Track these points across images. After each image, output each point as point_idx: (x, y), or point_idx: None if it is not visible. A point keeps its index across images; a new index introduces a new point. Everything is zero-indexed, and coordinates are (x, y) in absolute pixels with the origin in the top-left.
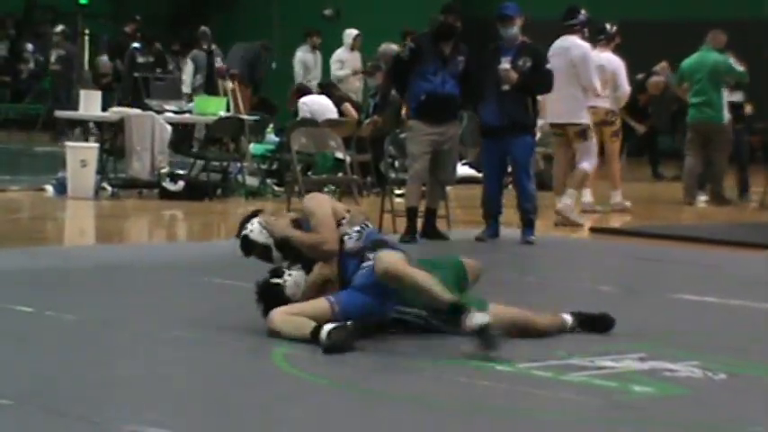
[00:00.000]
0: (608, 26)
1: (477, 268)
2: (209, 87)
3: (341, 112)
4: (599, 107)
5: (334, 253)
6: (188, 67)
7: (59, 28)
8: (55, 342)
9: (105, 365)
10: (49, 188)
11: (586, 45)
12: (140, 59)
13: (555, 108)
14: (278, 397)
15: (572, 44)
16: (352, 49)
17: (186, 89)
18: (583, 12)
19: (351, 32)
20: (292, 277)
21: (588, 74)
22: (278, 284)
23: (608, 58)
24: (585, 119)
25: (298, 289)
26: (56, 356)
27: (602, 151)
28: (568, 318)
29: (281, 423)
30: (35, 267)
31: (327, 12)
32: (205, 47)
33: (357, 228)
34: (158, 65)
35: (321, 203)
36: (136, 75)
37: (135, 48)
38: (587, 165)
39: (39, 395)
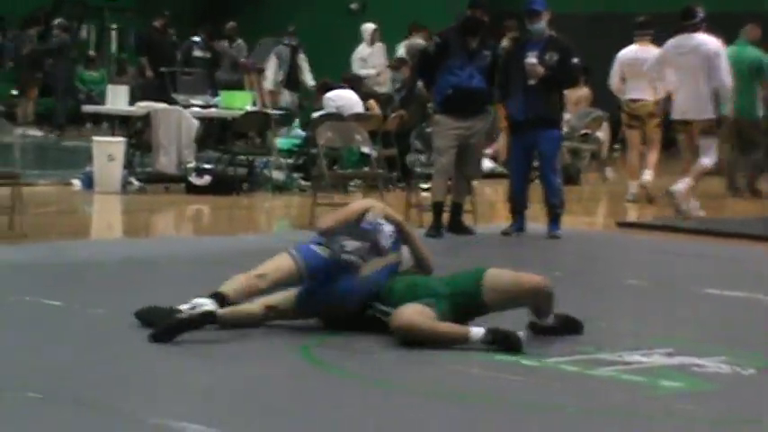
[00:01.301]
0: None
1: (512, 283)
2: (290, 83)
3: (366, 109)
4: (647, 100)
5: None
6: (271, 63)
7: (57, 21)
8: (83, 336)
9: (132, 359)
10: (77, 182)
11: (718, 41)
12: (197, 53)
13: (682, 105)
14: (304, 391)
15: (703, 41)
16: (372, 43)
17: (269, 85)
18: (700, 9)
19: (368, 27)
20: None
21: (722, 68)
22: None
23: (654, 52)
24: (713, 114)
25: None
26: (83, 350)
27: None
28: (479, 331)
29: (307, 417)
30: (63, 261)
31: (353, 6)
32: (287, 42)
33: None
34: (214, 62)
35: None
36: (163, 69)
37: (194, 41)
38: (708, 161)
39: (67, 388)
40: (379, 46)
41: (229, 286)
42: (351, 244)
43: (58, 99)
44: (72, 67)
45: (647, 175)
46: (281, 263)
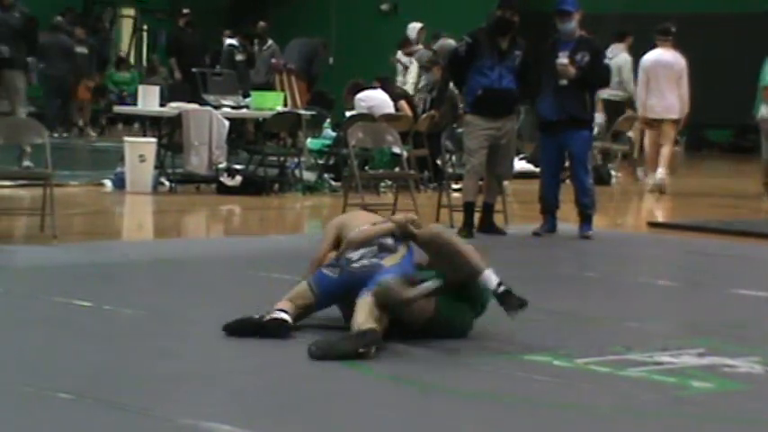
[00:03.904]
0: (671, 27)
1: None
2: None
3: (396, 109)
4: (669, 102)
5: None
6: (413, 67)
7: (58, 19)
8: (113, 336)
9: (163, 360)
10: (108, 183)
11: None
12: (239, 57)
13: None
14: (337, 392)
15: None
16: (417, 42)
17: (410, 90)
18: None
19: (415, 26)
20: None
21: None
22: None
23: (675, 57)
24: None
25: None
26: (114, 351)
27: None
28: (492, 276)
29: (340, 418)
30: (93, 262)
31: (384, 6)
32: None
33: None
34: (249, 65)
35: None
36: (194, 70)
37: (233, 45)
38: None
39: (98, 389)
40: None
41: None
42: (355, 254)
43: (47, 100)
44: (63, 67)
45: (661, 174)
46: (301, 289)
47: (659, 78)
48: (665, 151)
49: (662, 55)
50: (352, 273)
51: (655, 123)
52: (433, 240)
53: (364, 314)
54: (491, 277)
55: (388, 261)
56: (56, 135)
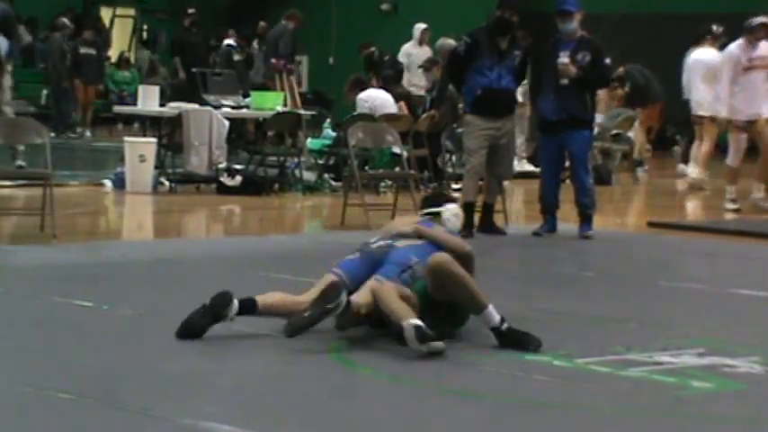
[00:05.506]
0: (714, 27)
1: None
2: None
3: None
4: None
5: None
6: None
7: (62, 20)
8: (113, 336)
9: (163, 360)
10: (108, 183)
11: None
12: (236, 57)
13: None
14: (335, 391)
15: None
16: (421, 43)
17: None
18: None
19: (419, 26)
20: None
21: None
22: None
23: (713, 55)
24: None
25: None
26: (114, 351)
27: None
28: (495, 314)
29: (340, 417)
30: (93, 262)
31: (384, 6)
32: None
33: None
34: (248, 65)
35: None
36: (194, 70)
37: (230, 45)
38: None
39: (97, 389)
40: (426, 47)
41: (262, 297)
42: (373, 238)
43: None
44: (60, 68)
45: (690, 168)
46: (327, 279)
47: (695, 76)
48: (702, 148)
49: (701, 54)
50: (369, 253)
51: (697, 120)
52: (438, 270)
53: (402, 306)
54: (493, 314)
55: (401, 243)
56: (53, 135)
